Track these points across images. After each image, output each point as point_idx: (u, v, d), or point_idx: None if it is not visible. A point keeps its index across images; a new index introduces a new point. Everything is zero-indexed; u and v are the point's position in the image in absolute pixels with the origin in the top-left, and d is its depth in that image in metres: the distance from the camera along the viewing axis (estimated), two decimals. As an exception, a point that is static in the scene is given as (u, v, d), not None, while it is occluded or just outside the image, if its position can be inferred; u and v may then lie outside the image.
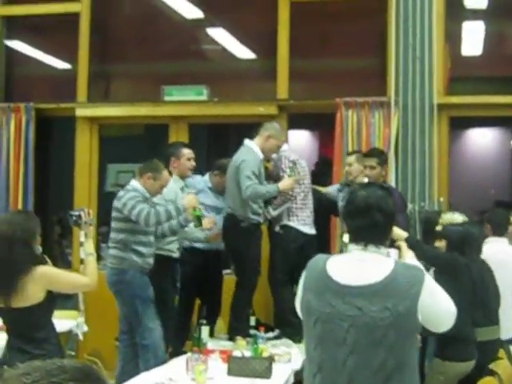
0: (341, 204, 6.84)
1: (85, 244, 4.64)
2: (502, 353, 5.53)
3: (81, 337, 5.69)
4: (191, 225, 6.17)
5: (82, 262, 4.69)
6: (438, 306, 2.87)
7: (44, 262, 4.26)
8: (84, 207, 5.01)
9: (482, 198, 9.52)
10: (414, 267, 2.98)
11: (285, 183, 6.42)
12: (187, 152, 6.62)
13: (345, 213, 3.09)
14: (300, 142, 9.96)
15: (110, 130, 8.73)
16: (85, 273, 4.42)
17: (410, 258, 3.35)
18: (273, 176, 6.69)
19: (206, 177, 7.03)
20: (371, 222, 2.90)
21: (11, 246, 4.09)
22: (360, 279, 2.83)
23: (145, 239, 5.96)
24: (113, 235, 6.00)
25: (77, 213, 4.77)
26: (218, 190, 6.90)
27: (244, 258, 6.44)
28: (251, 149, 6.44)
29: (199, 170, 7.03)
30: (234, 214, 6.42)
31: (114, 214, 5.97)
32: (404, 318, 2.75)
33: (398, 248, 3.44)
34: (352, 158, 6.80)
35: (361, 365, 2.76)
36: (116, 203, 5.94)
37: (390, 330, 2.74)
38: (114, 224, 6.00)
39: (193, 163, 6.63)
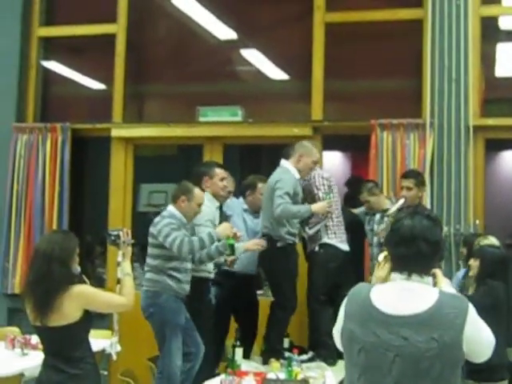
0: (367, 228, 6.85)
1: (122, 264, 4.63)
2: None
3: (114, 357, 5.70)
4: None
5: (118, 281, 4.69)
6: (480, 337, 2.83)
7: (82, 282, 4.28)
8: (123, 227, 5.01)
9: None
10: (458, 297, 2.93)
11: (318, 205, 6.39)
12: (220, 172, 6.56)
13: (388, 241, 3.03)
14: (334, 164, 9.93)
15: (143, 150, 8.77)
16: (121, 293, 4.43)
17: (446, 285, 3.31)
18: (306, 194, 6.64)
19: (241, 199, 7.02)
20: (416, 251, 2.87)
21: (49, 264, 4.12)
22: (405, 309, 2.79)
23: (180, 265, 5.93)
24: (148, 260, 6.00)
25: (115, 232, 4.77)
26: (254, 209, 6.89)
27: (282, 278, 6.39)
28: (287, 169, 6.43)
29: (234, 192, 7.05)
30: (269, 234, 6.40)
31: (149, 239, 5.96)
32: (450, 349, 2.71)
33: (433, 275, 3.39)
34: (364, 195, 6.84)
35: None
36: (152, 229, 5.93)
37: (436, 361, 2.69)
38: (149, 250, 5.98)
39: (225, 183, 6.57)
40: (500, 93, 7.93)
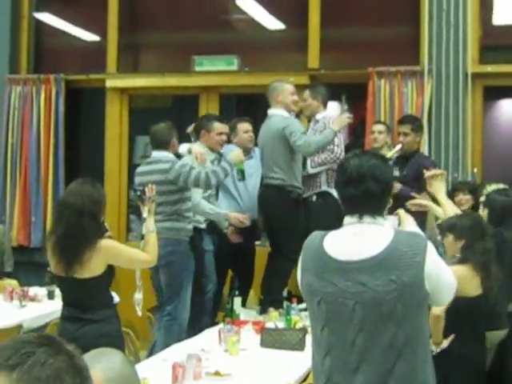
0: None
1: (147, 220, 4.65)
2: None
3: (140, 313, 5.68)
4: (203, 201, 6.20)
5: (142, 237, 4.70)
6: (441, 277, 2.73)
7: (106, 231, 4.30)
8: (147, 183, 4.97)
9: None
10: (415, 234, 2.84)
11: (338, 120, 6.29)
12: (219, 126, 6.46)
13: (336, 182, 2.94)
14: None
15: (138, 102, 8.70)
16: (145, 249, 4.46)
17: (410, 224, 3.23)
18: None
19: (231, 145, 6.89)
20: (365, 190, 2.75)
21: (81, 217, 4.08)
22: (359, 253, 2.69)
23: (190, 205, 6.02)
24: (165, 209, 5.80)
25: (141, 187, 4.77)
26: (244, 150, 6.77)
27: (292, 230, 6.30)
28: (281, 115, 6.34)
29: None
30: (282, 185, 6.28)
31: (164, 187, 5.71)
32: (410, 288, 2.63)
33: (397, 215, 3.30)
34: (381, 127, 6.73)
35: (371, 343, 2.65)
36: (164, 176, 5.79)
37: (397, 303, 2.62)
38: (164, 198, 5.74)
39: (222, 138, 6.49)
40: (498, 40, 7.83)
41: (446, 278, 2.77)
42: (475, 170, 7.05)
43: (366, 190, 2.75)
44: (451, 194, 6.02)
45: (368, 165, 2.79)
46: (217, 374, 4.07)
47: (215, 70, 7.78)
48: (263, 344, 4.90)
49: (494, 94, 8.65)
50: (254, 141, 6.75)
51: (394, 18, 7.70)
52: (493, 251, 4.46)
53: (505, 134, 9.95)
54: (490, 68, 7.21)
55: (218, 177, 5.84)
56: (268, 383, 4.08)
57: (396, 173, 6.32)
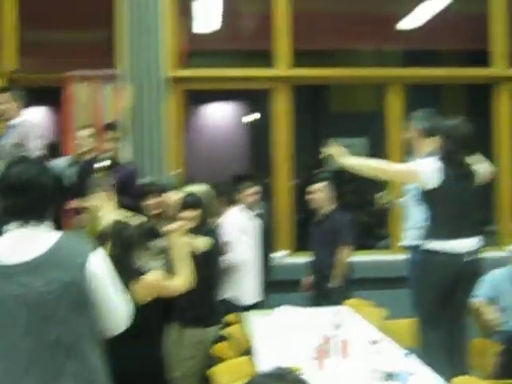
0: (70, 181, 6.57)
1: None
2: (234, 317, 5.67)
3: None
4: None
5: None
6: (108, 286, 2.84)
7: None
8: None
9: (220, 171, 9.73)
10: (81, 239, 2.94)
11: None
12: None
13: None
14: (35, 118, 9.55)
15: None
16: None
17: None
18: None
19: None
20: (26, 198, 2.80)
21: None
22: (22, 256, 2.73)
23: None
24: None
25: None
26: None
27: None
28: None
29: None
30: None
31: None
32: (72, 288, 2.71)
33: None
34: (86, 132, 6.64)
35: (37, 344, 2.67)
36: None
37: (60, 302, 2.69)
38: None
39: None
40: (199, 45, 8.04)
41: (116, 295, 2.87)
42: (178, 171, 7.16)
43: (28, 197, 2.80)
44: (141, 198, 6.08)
45: (28, 172, 2.83)
46: None
47: None
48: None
49: (198, 98, 8.92)
50: None
51: (91, 21, 7.62)
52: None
53: (209, 136, 10.33)
54: (188, 72, 7.41)
55: None
56: None
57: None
